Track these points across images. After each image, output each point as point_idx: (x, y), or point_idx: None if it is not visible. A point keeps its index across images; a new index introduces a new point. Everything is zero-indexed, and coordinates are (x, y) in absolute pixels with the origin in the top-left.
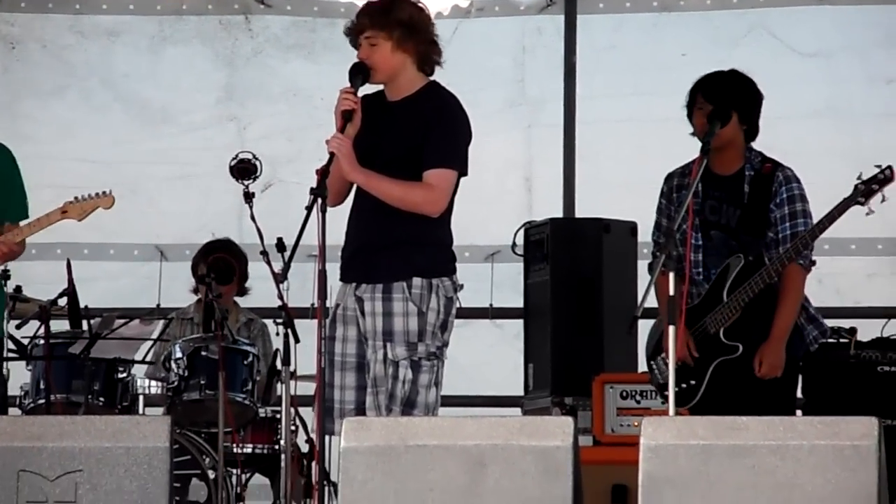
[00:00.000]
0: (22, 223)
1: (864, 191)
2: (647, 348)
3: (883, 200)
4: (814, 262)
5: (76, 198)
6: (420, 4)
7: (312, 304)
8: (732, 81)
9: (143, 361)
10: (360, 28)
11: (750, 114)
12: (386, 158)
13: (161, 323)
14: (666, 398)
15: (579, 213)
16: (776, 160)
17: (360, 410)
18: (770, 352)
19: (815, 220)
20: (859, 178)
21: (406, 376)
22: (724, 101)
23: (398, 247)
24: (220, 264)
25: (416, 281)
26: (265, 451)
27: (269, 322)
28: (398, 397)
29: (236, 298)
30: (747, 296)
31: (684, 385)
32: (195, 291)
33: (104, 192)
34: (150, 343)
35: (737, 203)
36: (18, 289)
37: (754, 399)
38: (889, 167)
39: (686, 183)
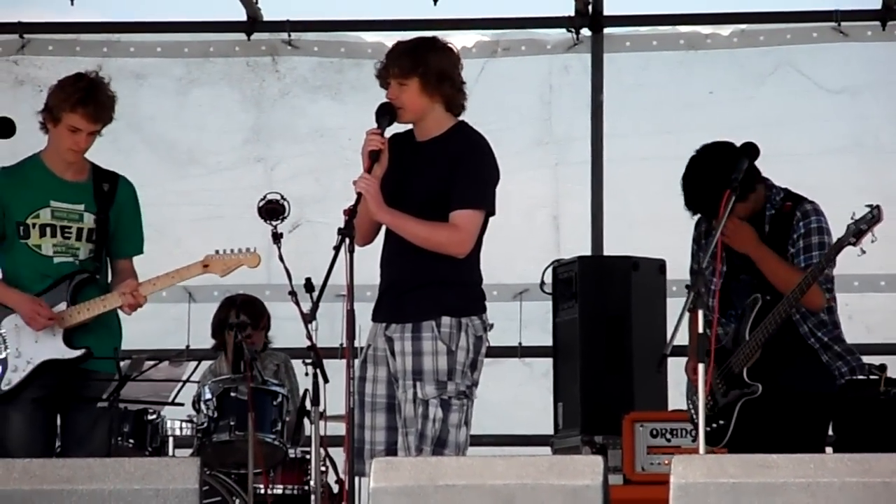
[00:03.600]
0: (160, 274)
1: (855, 231)
2: (688, 386)
3: (873, 241)
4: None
5: (217, 251)
6: (449, 45)
7: (341, 344)
8: (707, 175)
9: (172, 403)
10: (390, 70)
11: (742, 187)
12: (414, 199)
13: (190, 365)
14: (697, 436)
15: (607, 250)
16: (799, 196)
17: (391, 451)
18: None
19: None
20: (852, 217)
21: (436, 415)
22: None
23: (427, 286)
24: (249, 307)
25: (445, 320)
26: (295, 492)
27: (297, 362)
28: (428, 437)
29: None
30: (765, 334)
31: (714, 425)
32: (216, 349)
33: (248, 249)
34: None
35: None
36: None
37: (783, 438)
38: (877, 207)
39: (713, 226)
